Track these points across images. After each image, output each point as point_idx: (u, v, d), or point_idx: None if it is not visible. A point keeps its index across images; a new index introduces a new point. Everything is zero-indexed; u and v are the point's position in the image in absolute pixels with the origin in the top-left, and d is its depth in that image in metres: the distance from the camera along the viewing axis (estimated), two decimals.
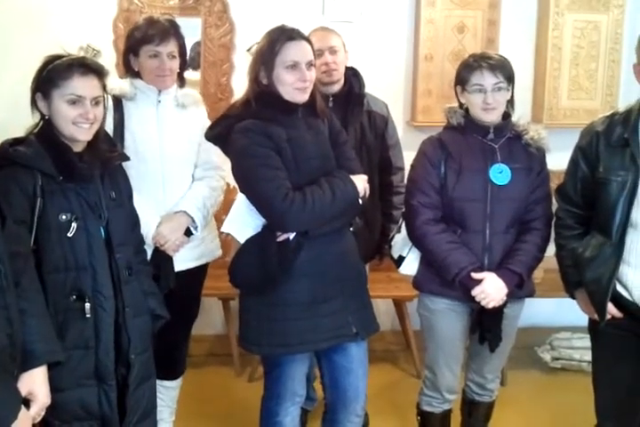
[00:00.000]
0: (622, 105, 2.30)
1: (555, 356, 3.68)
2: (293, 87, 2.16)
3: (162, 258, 2.47)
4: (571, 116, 3.78)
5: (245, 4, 3.65)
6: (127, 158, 2.15)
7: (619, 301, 2.18)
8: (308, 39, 2.22)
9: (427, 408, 2.63)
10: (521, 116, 2.53)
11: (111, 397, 1.94)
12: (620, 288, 2.17)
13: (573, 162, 2.32)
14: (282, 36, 2.17)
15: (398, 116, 3.61)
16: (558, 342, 3.70)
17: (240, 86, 3.09)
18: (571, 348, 3.62)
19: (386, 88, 3.52)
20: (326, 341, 2.23)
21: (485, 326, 2.41)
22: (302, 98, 2.19)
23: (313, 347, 2.25)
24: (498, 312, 2.39)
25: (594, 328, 2.33)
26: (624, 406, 2.30)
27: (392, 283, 3.51)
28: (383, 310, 3.71)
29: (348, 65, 2.93)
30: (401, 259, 2.58)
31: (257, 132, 2.13)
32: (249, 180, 2.15)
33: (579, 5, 3.76)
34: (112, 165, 2.06)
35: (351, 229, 2.34)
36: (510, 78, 2.40)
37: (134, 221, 2.15)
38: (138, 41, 2.47)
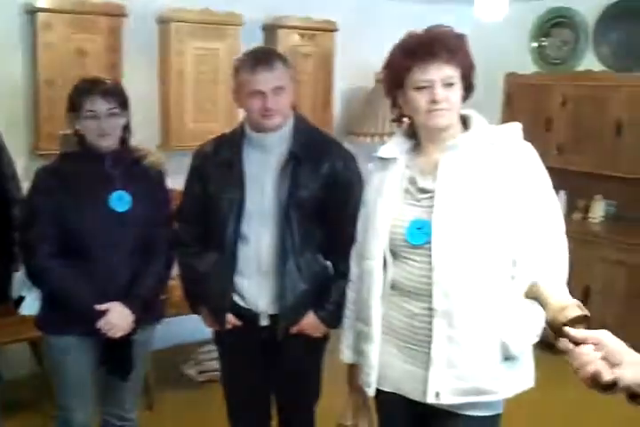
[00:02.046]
0: None
1: (200, 369, 3.78)
2: None
3: None
4: (196, 138, 3.85)
5: None
6: None
7: (237, 310, 2.31)
8: None
9: None
10: (146, 140, 2.54)
11: None
12: (237, 298, 2.31)
13: (188, 182, 2.41)
14: None
15: (21, 145, 3.43)
16: (202, 356, 3.81)
17: None
18: (213, 359, 3.68)
19: (3, 115, 3.30)
20: None
21: (115, 356, 2.37)
22: None
23: None
24: (126, 341, 2.35)
25: (219, 339, 2.46)
26: (251, 407, 2.47)
27: (26, 324, 3.23)
28: (20, 354, 3.45)
29: None
30: (22, 299, 2.42)
31: None
32: None
33: (198, 33, 3.92)
34: None
35: None
36: (124, 104, 2.37)
37: None
38: None
